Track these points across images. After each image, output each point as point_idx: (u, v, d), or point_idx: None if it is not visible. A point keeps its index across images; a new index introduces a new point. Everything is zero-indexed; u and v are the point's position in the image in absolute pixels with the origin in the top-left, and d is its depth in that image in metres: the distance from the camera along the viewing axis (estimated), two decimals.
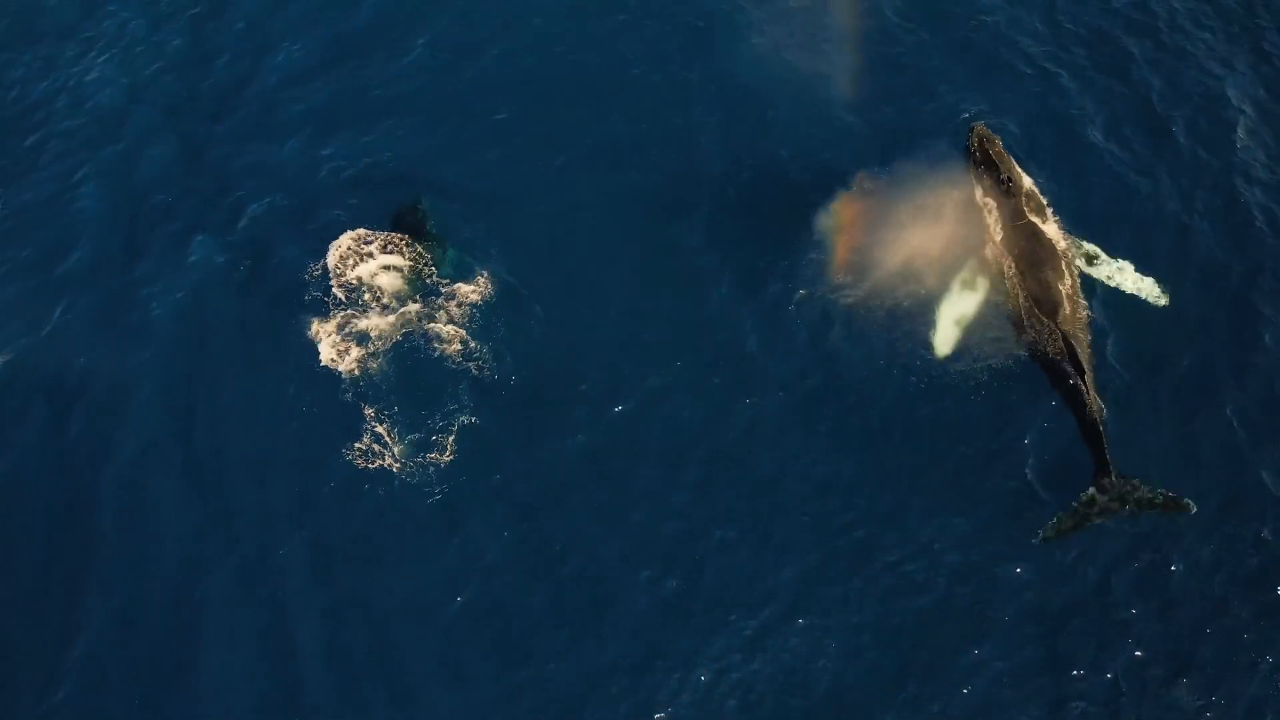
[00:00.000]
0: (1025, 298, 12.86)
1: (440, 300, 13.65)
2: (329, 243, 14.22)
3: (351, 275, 13.89)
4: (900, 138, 14.82)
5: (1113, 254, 13.51)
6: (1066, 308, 12.63)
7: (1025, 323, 12.81)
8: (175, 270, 14.53)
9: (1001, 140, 14.09)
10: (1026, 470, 12.05)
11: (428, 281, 13.81)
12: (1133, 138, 14.83)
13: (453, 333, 13.40)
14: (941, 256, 13.50)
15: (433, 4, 17.21)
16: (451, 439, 12.68)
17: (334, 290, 13.85)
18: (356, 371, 13.10)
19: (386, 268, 13.96)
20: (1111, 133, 14.91)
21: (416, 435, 12.75)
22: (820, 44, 16.07)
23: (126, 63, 17.21)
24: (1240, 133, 14.78)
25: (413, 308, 13.57)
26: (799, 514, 11.99)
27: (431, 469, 12.54)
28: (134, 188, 15.64)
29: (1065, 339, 12.37)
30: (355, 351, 13.32)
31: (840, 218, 13.93)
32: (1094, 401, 12.01)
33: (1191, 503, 11.53)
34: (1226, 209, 14.03)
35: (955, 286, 13.28)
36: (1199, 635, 11.09)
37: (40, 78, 17.13)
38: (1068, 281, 12.94)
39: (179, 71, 16.98)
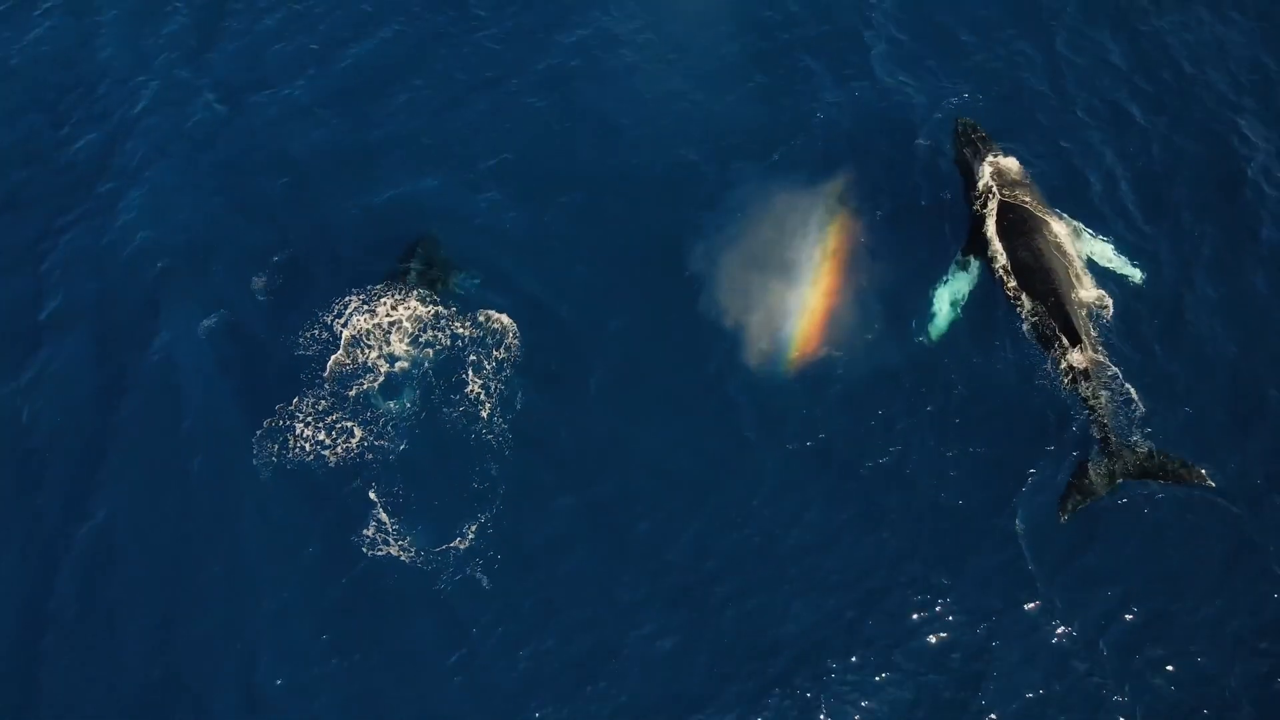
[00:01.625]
0: (1016, 271, 12.97)
1: (456, 358, 12.89)
2: (331, 303, 13.44)
3: (357, 344, 12.91)
4: (881, 137, 14.98)
5: (1095, 230, 13.63)
6: (1059, 276, 12.68)
7: (1019, 296, 12.89)
8: (155, 335, 13.87)
9: (984, 128, 14.44)
10: (1031, 468, 11.97)
11: (444, 338, 12.95)
12: (1116, 121, 14.98)
13: (476, 394, 12.62)
14: (934, 247, 13.74)
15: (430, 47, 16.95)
16: (473, 526, 11.92)
17: (335, 357, 12.95)
18: (368, 455, 12.26)
19: (398, 323, 13.10)
20: (1095, 115, 15.04)
21: (429, 521, 12.02)
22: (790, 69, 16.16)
23: (111, 104, 16.61)
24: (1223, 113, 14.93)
25: (428, 367, 12.80)
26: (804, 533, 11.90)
27: (450, 555, 11.79)
28: (108, 236, 15.03)
29: (1060, 307, 12.44)
30: (359, 433, 12.46)
31: (831, 234, 14.04)
32: (1092, 369, 12.06)
33: (1207, 474, 11.45)
34: (1210, 189, 14.15)
35: (950, 269, 13.44)
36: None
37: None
38: (1059, 253, 12.99)
39: (162, 112, 16.40)
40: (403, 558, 11.73)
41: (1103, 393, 12.00)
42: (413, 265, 13.61)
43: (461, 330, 13.09)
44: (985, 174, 13.87)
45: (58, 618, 11.93)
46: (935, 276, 13.49)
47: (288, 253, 14.40)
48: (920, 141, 14.92)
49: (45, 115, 16.65)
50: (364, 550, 11.81)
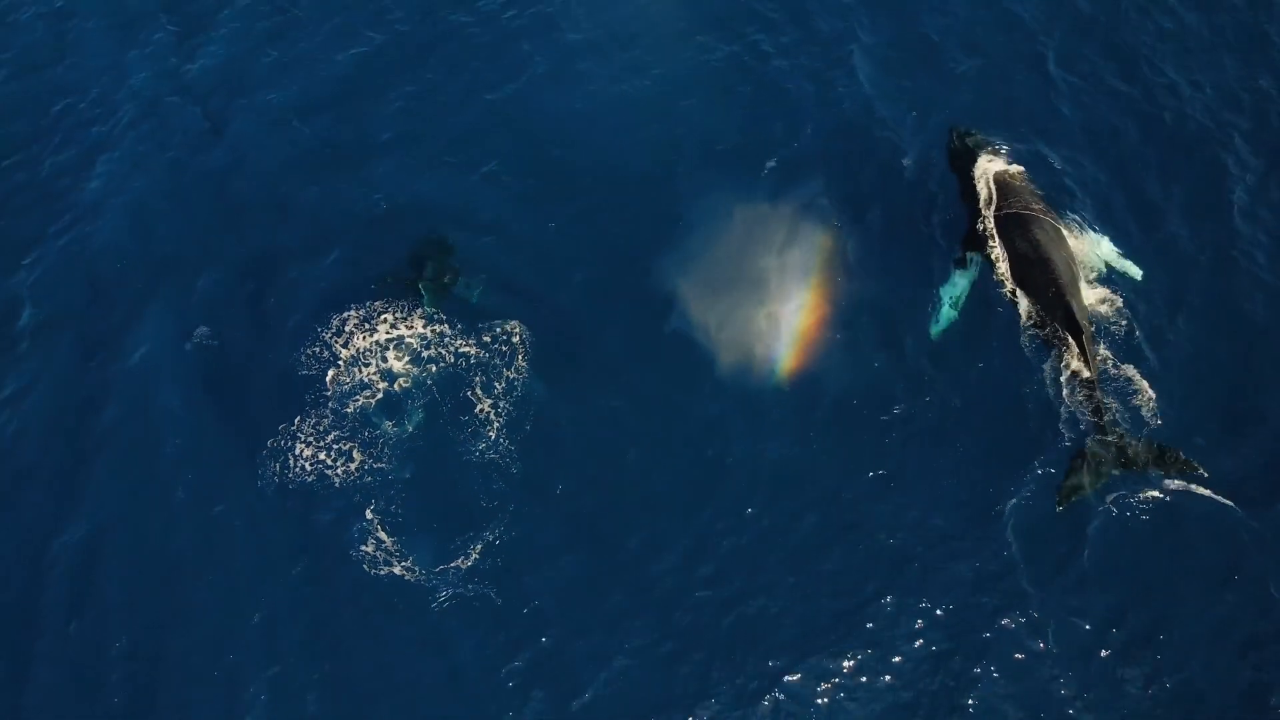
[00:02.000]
0: (1017, 268, 13.04)
1: (461, 371, 12.82)
2: (330, 319, 13.32)
3: (355, 361, 12.78)
4: (872, 146, 15.02)
5: (1094, 228, 13.74)
6: (1061, 271, 12.73)
7: (1019, 293, 12.99)
8: (143, 352, 13.71)
9: (979, 134, 14.58)
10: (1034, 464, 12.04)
11: (449, 354, 12.86)
12: (1107, 116, 15.18)
13: (486, 411, 12.53)
14: (929, 253, 13.85)
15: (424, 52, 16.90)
16: (477, 545, 11.86)
17: (334, 375, 12.87)
18: (367, 478, 12.13)
19: (399, 341, 13.00)
20: (1087, 129, 15.13)
21: (431, 540, 11.96)
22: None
23: (97, 114, 16.43)
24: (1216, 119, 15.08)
25: (432, 385, 12.65)
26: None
27: (451, 573, 11.75)
28: (95, 244, 14.90)
29: (1062, 299, 12.48)
30: (358, 456, 12.31)
31: (823, 243, 14.10)
32: (1089, 356, 12.13)
33: (1198, 464, 11.60)
34: (1206, 188, 14.31)
35: (950, 270, 13.53)
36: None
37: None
38: (1061, 251, 13.04)
39: (149, 122, 16.28)
40: (406, 576, 11.68)
41: (1104, 394, 12.11)
42: (416, 271, 13.54)
43: (466, 348, 13.02)
44: (983, 176, 13.96)
45: (47, 627, 11.84)
46: (931, 282, 13.57)
47: (282, 264, 14.29)
48: (910, 150, 15.02)
49: (30, 125, 16.48)
50: (364, 568, 11.76)
